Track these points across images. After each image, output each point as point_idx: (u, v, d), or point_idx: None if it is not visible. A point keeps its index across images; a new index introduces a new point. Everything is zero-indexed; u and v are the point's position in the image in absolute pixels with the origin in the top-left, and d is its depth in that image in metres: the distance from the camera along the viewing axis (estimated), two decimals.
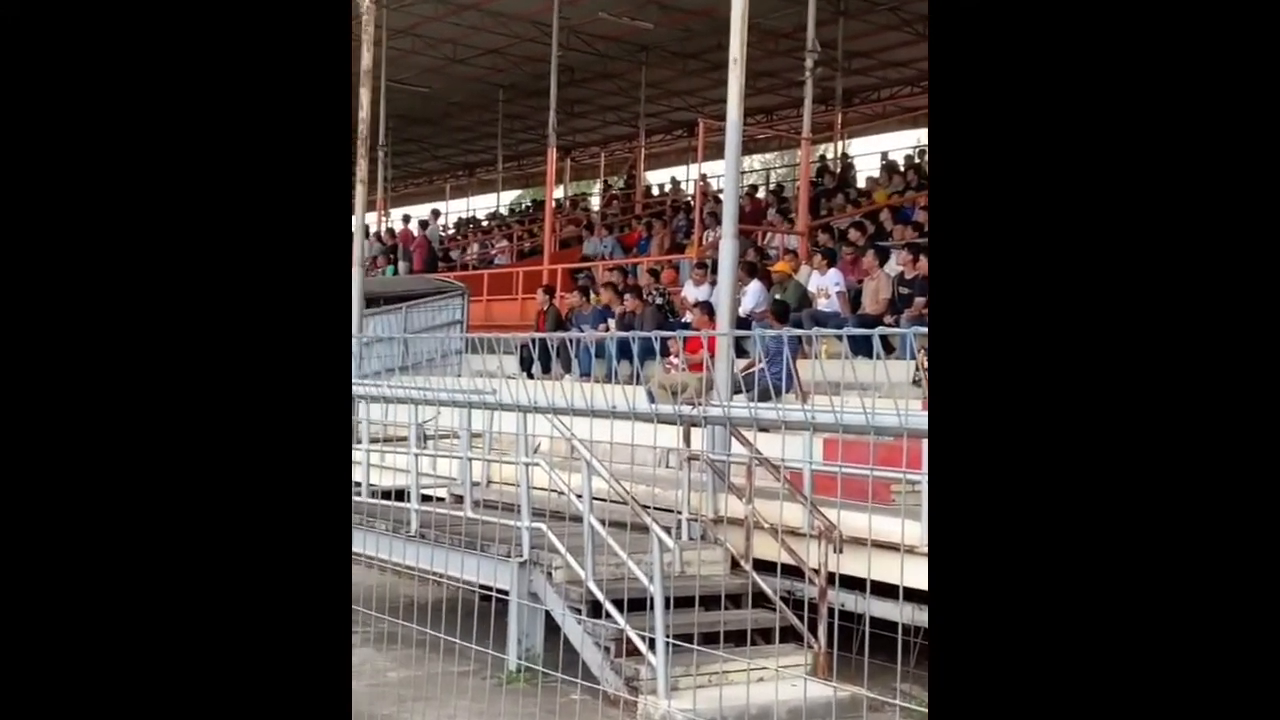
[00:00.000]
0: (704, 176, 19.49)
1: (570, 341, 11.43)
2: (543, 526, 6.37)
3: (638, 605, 5.63)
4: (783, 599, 6.14)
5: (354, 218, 12.95)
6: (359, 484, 7.59)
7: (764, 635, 6.03)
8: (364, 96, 11.85)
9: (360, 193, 12.31)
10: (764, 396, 7.56)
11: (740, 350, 9.39)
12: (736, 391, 7.56)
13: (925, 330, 4.46)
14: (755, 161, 29.83)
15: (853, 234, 13.10)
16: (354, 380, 11.26)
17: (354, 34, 16.50)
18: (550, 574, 6.37)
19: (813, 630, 5.88)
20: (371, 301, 13.55)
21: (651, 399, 9.29)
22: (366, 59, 11.92)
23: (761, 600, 6.38)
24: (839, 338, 8.33)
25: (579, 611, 6.13)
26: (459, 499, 7.58)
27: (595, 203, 26.45)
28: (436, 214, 24.75)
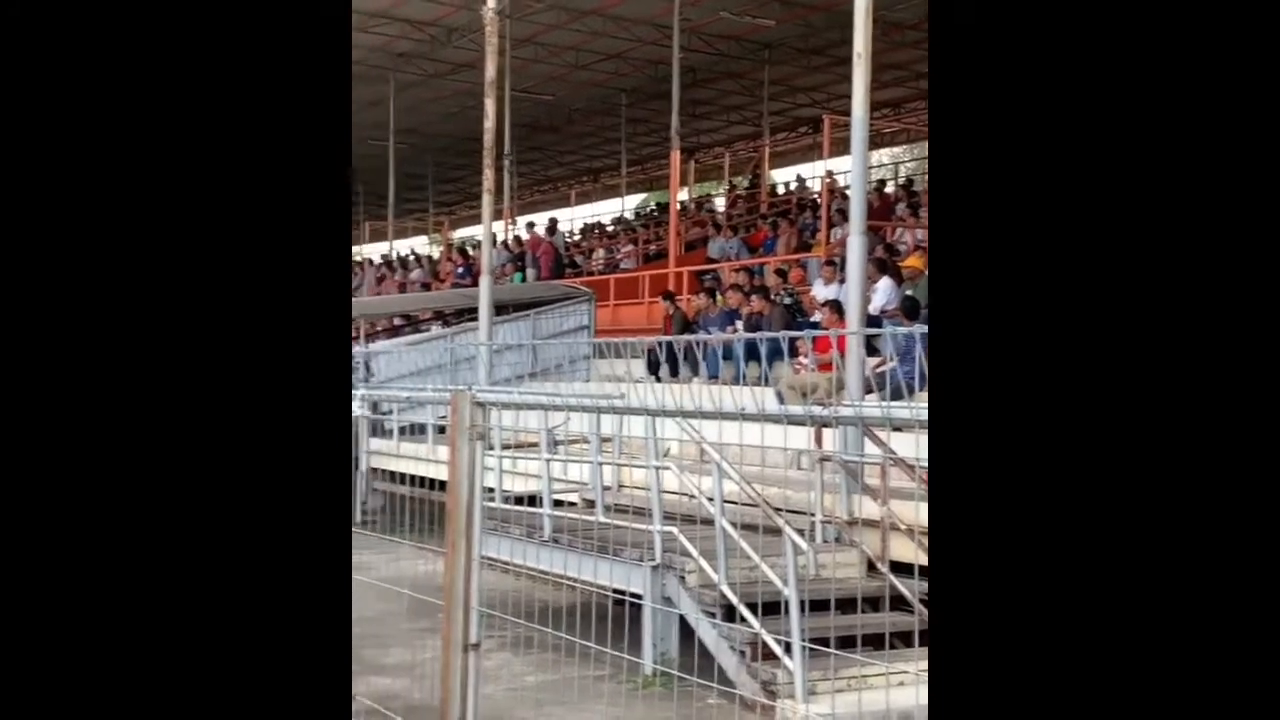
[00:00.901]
0: (830, 173, 19.26)
1: (697, 344, 11.40)
2: (674, 530, 6.34)
3: (772, 609, 5.56)
4: (922, 601, 6.00)
5: (482, 226, 13.13)
6: (492, 489, 7.68)
7: (903, 639, 5.90)
8: (489, 106, 12.01)
9: (487, 201, 12.48)
10: (896, 395, 7.40)
11: (871, 349, 9.24)
12: (868, 391, 7.43)
13: None
14: (883, 156, 29.40)
15: None
16: (484, 388, 11.44)
17: (478, 45, 16.79)
18: (683, 578, 6.34)
19: None
20: (500, 309, 13.73)
21: (781, 400, 9.20)
22: (490, 70, 12.07)
23: (899, 603, 6.25)
24: None
25: (713, 615, 6.09)
26: (590, 503, 7.61)
27: (720, 203, 26.37)
28: (555, 222, 24.98)
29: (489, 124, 11.97)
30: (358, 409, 9.19)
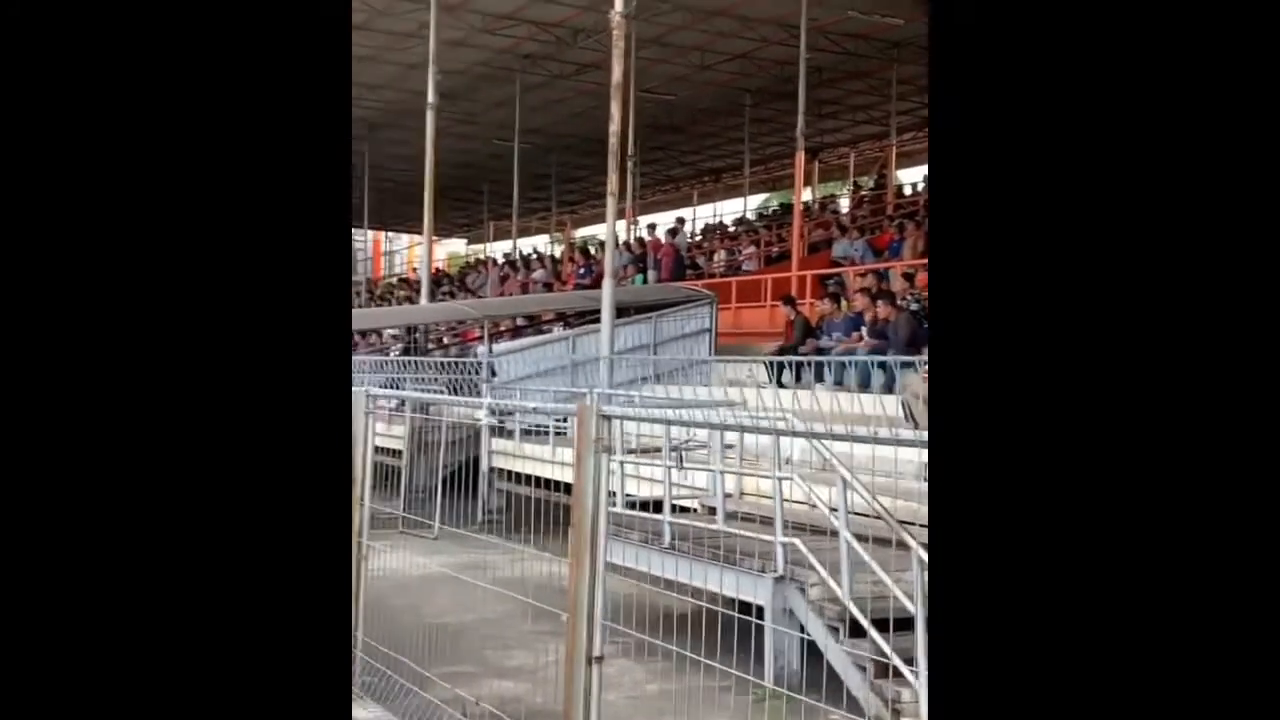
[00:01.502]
0: None
1: (826, 364, 11.23)
2: (797, 542, 6.24)
3: (901, 625, 5.43)
4: None
5: (603, 224, 13.16)
6: (613, 493, 7.67)
7: None
8: (614, 110, 12.02)
9: (611, 205, 12.50)
10: None
11: None
12: None
13: None
14: None
15: None
16: (605, 390, 11.46)
17: (603, 46, 16.83)
18: (805, 590, 6.24)
19: None
20: (621, 311, 13.76)
21: (906, 409, 9.01)
22: (616, 73, 12.08)
23: None
24: None
25: (836, 630, 5.98)
26: (711, 510, 7.55)
27: (844, 204, 26.03)
28: (681, 221, 24.95)
29: (614, 127, 11.98)
30: (483, 417, 9.29)
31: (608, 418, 3.76)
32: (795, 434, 3.75)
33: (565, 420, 10.47)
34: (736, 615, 4.84)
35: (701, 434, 7.50)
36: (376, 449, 5.95)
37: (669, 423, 5.11)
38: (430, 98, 17.03)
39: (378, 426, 6.08)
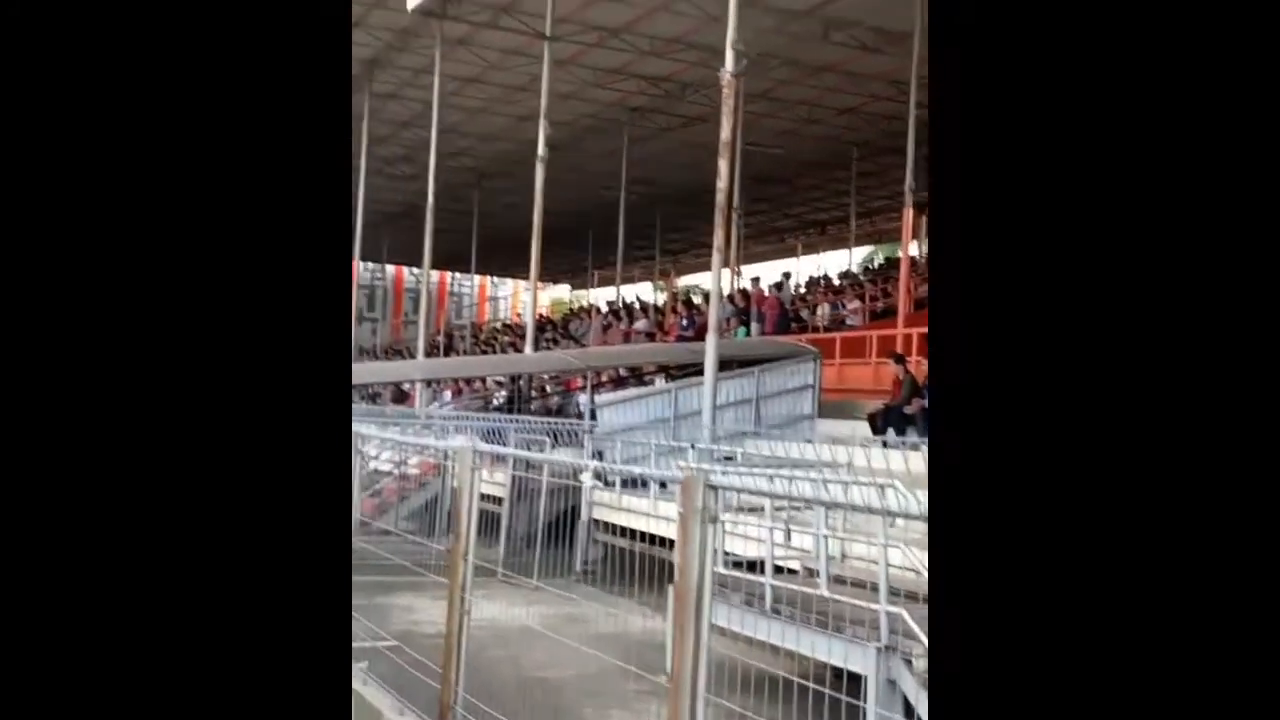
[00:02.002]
0: None
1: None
2: (902, 612, 6.11)
3: None
4: None
5: (707, 274, 13.15)
6: (715, 551, 7.60)
7: None
8: (721, 167, 12.06)
9: (716, 261, 12.51)
10: None
11: None
12: None
13: None
14: None
15: None
16: (708, 446, 11.40)
17: (710, 100, 16.92)
18: (910, 662, 6.09)
19: None
20: (724, 364, 13.72)
21: None
22: (725, 130, 12.12)
23: None
24: None
25: None
26: (812, 572, 7.43)
27: None
28: (787, 275, 24.85)
29: (721, 184, 12.01)
30: (587, 480, 9.33)
31: (714, 487, 3.72)
32: (908, 516, 3.63)
33: (668, 476, 10.45)
34: (844, 697, 4.73)
35: (806, 493, 7.41)
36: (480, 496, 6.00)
37: (775, 495, 5.05)
38: (541, 150, 17.28)
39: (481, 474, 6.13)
